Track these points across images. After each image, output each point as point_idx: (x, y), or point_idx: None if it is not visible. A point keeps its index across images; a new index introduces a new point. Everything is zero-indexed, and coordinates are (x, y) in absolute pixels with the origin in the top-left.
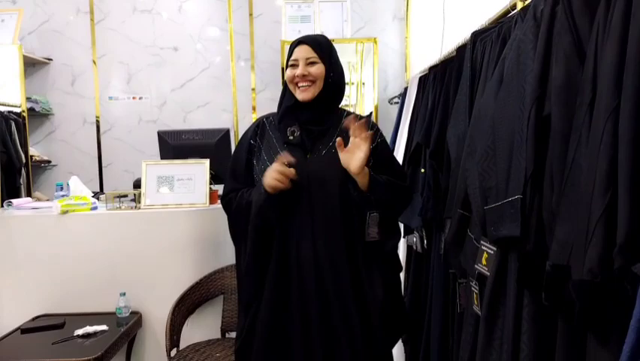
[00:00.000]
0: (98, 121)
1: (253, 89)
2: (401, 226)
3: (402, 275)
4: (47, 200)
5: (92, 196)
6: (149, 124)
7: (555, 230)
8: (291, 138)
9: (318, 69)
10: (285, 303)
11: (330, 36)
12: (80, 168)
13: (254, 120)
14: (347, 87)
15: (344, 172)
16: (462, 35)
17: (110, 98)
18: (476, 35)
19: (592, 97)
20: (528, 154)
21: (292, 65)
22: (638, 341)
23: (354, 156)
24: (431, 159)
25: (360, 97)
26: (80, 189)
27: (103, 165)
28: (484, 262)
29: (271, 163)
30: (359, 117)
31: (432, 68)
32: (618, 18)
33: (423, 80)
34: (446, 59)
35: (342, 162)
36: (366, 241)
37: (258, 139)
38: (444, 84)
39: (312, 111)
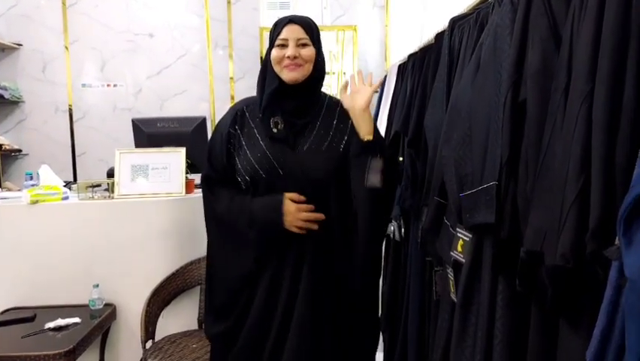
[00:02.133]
0: (70, 109)
1: (231, 78)
2: None
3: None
4: (18, 190)
5: (64, 186)
6: (124, 112)
7: (529, 216)
8: (275, 130)
9: (309, 51)
10: (275, 304)
11: None
12: (52, 158)
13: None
14: (328, 77)
15: (331, 164)
16: (442, 23)
17: (83, 85)
18: (454, 22)
19: (567, 82)
20: (503, 140)
21: (281, 45)
22: (609, 323)
23: (357, 95)
24: (409, 148)
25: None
26: (50, 178)
27: (76, 154)
28: (459, 249)
29: (253, 157)
30: (334, 97)
31: (411, 56)
32: (594, 2)
33: (402, 68)
34: (425, 47)
35: (345, 105)
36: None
37: (237, 128)
38: (422, 72)
39: (297, 99)
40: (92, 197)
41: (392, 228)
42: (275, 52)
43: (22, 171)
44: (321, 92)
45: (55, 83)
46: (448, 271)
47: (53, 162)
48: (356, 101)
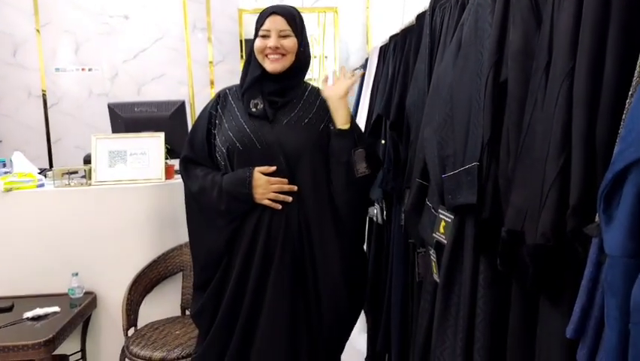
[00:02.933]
0: (44, 94)
1: (210, 62)
2: None
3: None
4: None
5: (39, 173)
6: (100, 97)
7: (510, 196)
8: (253, 110)
9: (291, 42)
10: (246, 281)
11: (290, 4)
12: (26, 145)
13: (211, 93)
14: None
15: (309, 139)
16: (423, 4)
17: (57, 69)
18: (435, 1)
19: (548, 61)
20: (485, 121)
21: (264, 36)
22: (589, 300)
23: (337, 84)
24: (391, 130)
25: (323, 71)
26: (24, 165)
27: (51, 141)
28: (441, 230)
29: (231, 130)
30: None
31: (392, 38)
32: None
33: (383, 50)
34: (406, 28)
35: (326, 95)
36: (337, 206)
37: (219, 109)
38: (404, 53)
39: (277, 83)
40: (69, 184)
41: (375, 211)
42: (258, 42)
43: None
44: (304, 80)
45: (27, 68)
46: (431, 252)
47: (28, 150)
48: (334, 90)
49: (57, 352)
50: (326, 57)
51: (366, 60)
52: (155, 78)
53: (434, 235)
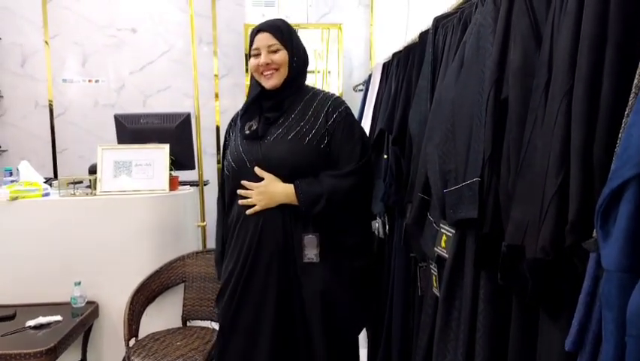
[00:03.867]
0: (51, 104)
1: (216, 75)
2: None
3: None
4: None
5: (44, 182)
6: (106, 108)
7: (511, 211)
8: (247, 132)
9: (281, 56)
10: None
11: (294, 21)
12: (32, 154)
13: (216, 106)
14: (312, 75)
15: (291, 155)
16: (426, 22)
17: (64, 80)
18: (438, 20)
19: (547, 79)
20: (486, 137)
21: (255, 55)
22: (587, 313)
23: (258, 197)
24: (394, 145)
25: (326, 86)
26: (30, 174)
27: (57, 150)
28: (443, 244)
29: (230, 154)
30: (328, 95)
31: (395, 55)
32: (574, 2)
33: (386, 67)
34: (409, 45)
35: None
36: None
37: (230, 132)
38: (407, 70)
39: (276, 98)
40: (74, 193)
41: (376, 225)
42: (252, 61)
43: (0, 167)
44: (308, 87)
45: (35, 78)
46: (432, 266)
47: (33, 159)
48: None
49: None
50: (329, 72)
51: (370, 76)
52: (161, 90)
53: (435, 249)
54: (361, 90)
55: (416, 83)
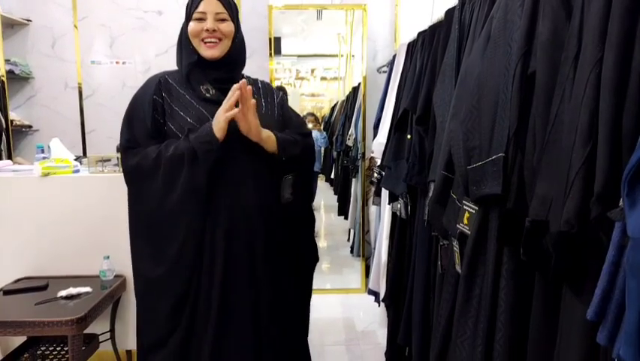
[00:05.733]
0: (80, 86)
1: None
2: (386, 193)
3: (385, 241)
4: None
5: (74, 160)
6: (133, 90)
7: (535, 186)
8: (207, 95)
9: (229, 27)
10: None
11: (319, 1)
12: (62, 134)
13: None
14: (336, 60)
15: (271, 127)
16: (452, 1)
17: (93, 62)
18: None
19: (577, 51)
20: (512, 112)
21: (198, 19)
22: (610, 283)
23: (250, 124)
24: (417, 125)
25: (350, 69)
26: (61, 151)
27: (86, 131)
28: (465, 221)
29: (190, 116)
30: (262, 82)
31: (420, 34)
32: None
33: (411, 47)
34: (435, 24)
35: (242, 129)
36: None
37: (164, 95)
38: (432, 49)
39: (221, 70)
40: (103, 170)
41: (399, 205)
42: (193, 25)
43: (32, 146)
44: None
45: (65, 60)
46: (454, 243)
47: (63, 139)
48: (250, 134)
49: (88, 331)
50: (353, 56)
51: (394, 57)
52: None
53: (458, 226)
54: (385, 72)
55: (441, 61)
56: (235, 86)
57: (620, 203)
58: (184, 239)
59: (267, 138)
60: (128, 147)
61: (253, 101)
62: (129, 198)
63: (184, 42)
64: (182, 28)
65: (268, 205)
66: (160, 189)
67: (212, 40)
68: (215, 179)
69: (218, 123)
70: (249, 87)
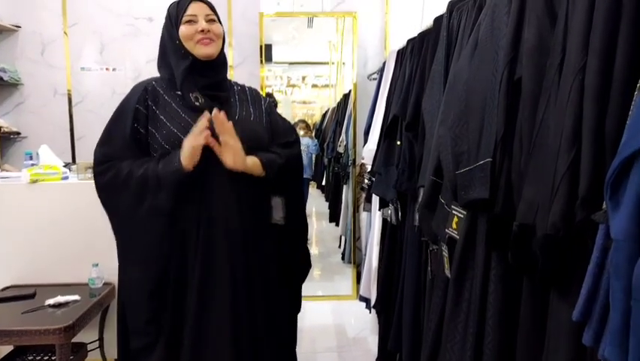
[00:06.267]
0: (69, 93)
1: (231, 66)
2: (376, 199)
3: (376, 247)
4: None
5: (63, 166)
6: (122, 97)
7: (523, 191)
8: (197, 103)
9: (219, 28)
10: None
11: (309, 9)
12: (51, 141)
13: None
14: (327, 67)
15: (263, 133)
16: (441, 9)
17: (82, 68)
18: (453, 4)
19: (562, 57)
20: (499, 117)
21: (189, 22)
22: (594, 284)
23: (234, 154)
24: (407, 131)
25: (341, 76)
26: (50, 158)
27: (75, 137)
28: (454, 226)
29: (175, 127)
30: (250, 88)
31: (409, 41)
32: None
33: (401, 54)
34: (424, 32)
35: (226, 163)
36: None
37: (150, 104)
38: (421, 56)
39: (210, 76)
40: (92, 177)
41: (389, 211)
42: (185, 28)
43: (21, 153)
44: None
45: (54, 66)
46: (443, 248)
47: (52, 146)
48: (236, 165)
49: (76, 340)
50: (344, 63)
51: (384, 64)
52: None
53: (447, 230)
54: (375, 79)
55: (430, 68)
56: (205, 113)
57: (604, 206)
58: (146, 257)
59: (253, 164)
60: (101, 159)
61: (229, 124)
62: (105, 209)
63: (173, 48)
64: (165, 37)
65: (255, 228)
66: (128, 207)
67: (207, 39)
68: (197, 203)
69: (185, 152)
70: (222, 113)
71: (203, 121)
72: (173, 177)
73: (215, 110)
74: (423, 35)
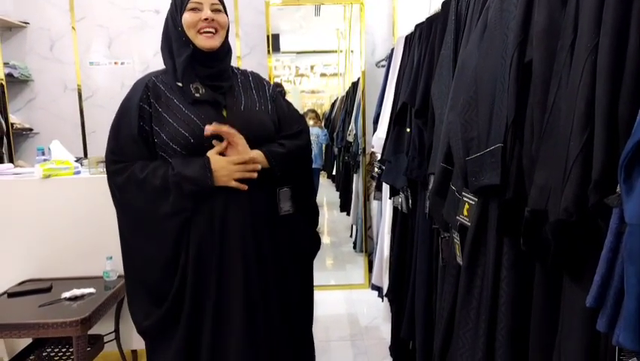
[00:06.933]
0: (79, 88)
1: (238, 57)
2: (387, 187)
3: (387, 236)
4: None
5: (75, 161)
6: None
7: (534, 176)
8: (197, 95)
9: (223, 18)
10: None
11: None
12: (62, 136)
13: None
14: (335, 55)
15: (269, 124)
16: None
17: (91, 63)
18: None
19: (573, 38)
20: (509, 102)
21: (194, 9)
22: (609, 269)
23: (239, 152)
24: (416, 118)
25: (349, 65)
26: (61, 153)
27: (86, 132)
28: (465, 213)
29: (179, 124)
30: (253, 74)
31: (417, 26)
32: None
33: (409, 40)
34: (432, 16)
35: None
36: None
37: (152, 101)
38: (429, 41)
39: (212, 66)
40: (104, 172)
41: (400, 200)
42: (188, 16)
43: (33, 149)
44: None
45: (63, 62)
46: (454, 235)
47: (64, 141)
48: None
49: (92, 331)
50: (352, 51)
51: (392, 51)
52: None
53: (458, 217)
54: (383, 66)
55: (439, 53)
56: (209, 128)
57: (618, 189)
58: (157, 253)
59: (257, 156)
60: (113, 159)
61: (233, 130)
62: (117, 209)
63: (175, 35)
64: (168, 23)
65: (267, 218)
66: (146, 208)
67: (210, 30)
68: (210, 197)
69: (227, 178)
70: (225, 126)
71: (222, 131)
72: (197, 188)
73: (214, 125)
74: (431, 20)
